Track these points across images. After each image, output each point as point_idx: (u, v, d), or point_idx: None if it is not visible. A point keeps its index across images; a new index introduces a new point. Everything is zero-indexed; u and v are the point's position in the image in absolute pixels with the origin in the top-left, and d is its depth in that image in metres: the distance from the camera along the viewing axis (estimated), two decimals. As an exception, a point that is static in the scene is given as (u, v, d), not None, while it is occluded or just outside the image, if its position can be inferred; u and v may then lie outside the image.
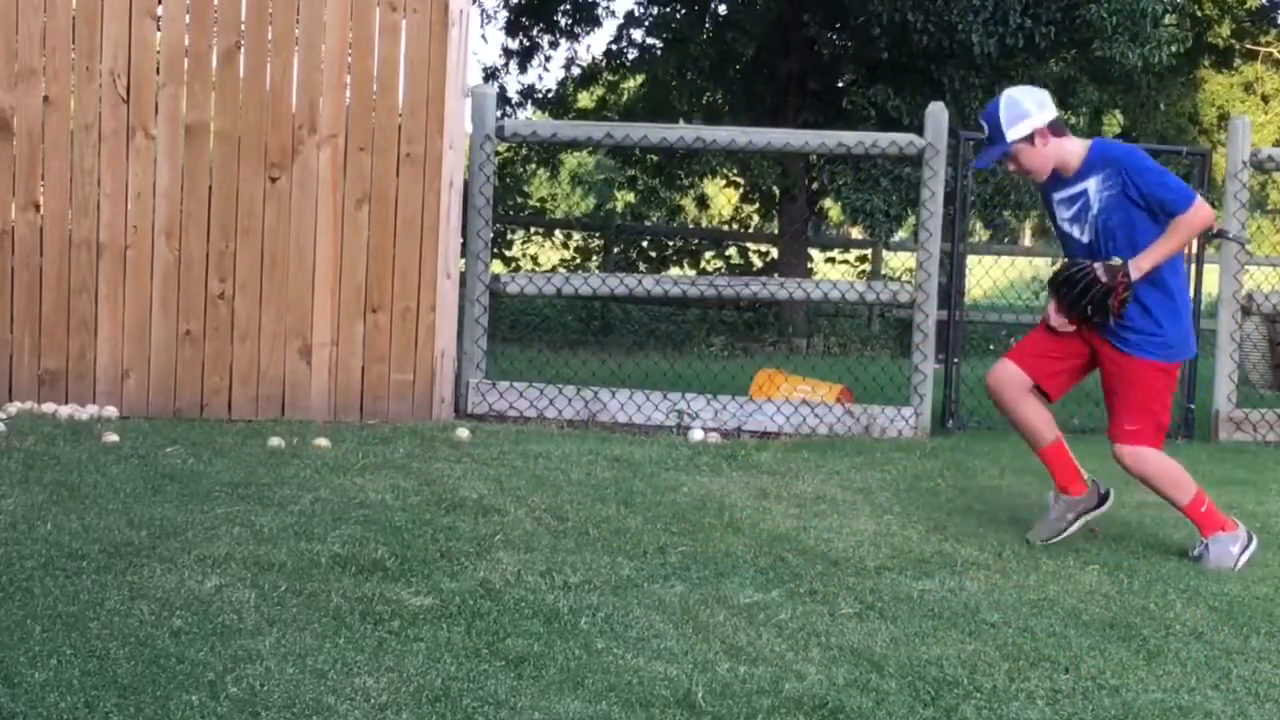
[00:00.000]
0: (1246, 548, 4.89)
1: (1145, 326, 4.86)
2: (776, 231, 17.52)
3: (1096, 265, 4.83)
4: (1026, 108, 4.88)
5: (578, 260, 17.79)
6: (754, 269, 17.62)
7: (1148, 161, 4.84)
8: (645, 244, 18.01)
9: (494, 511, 5.04)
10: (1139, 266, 4.77)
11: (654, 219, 19.57)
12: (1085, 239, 4.90)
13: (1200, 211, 4.78)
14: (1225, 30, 24.09)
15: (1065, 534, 5.02)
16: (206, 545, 4.35)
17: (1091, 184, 4.84)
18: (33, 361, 6.91)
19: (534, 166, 19.33)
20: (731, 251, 18.07)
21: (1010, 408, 5.08)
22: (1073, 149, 4.90)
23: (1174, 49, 14.03)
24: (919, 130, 7.67)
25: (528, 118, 18.83)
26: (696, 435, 7.14)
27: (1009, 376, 5.06)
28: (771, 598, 4.12)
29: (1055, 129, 4.89)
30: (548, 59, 19.00)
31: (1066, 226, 4.96)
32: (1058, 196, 4.96)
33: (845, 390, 7.89)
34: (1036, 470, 6.56)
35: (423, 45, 7.00)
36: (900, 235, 16.19)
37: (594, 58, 19.82)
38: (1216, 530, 4.90)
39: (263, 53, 6.97)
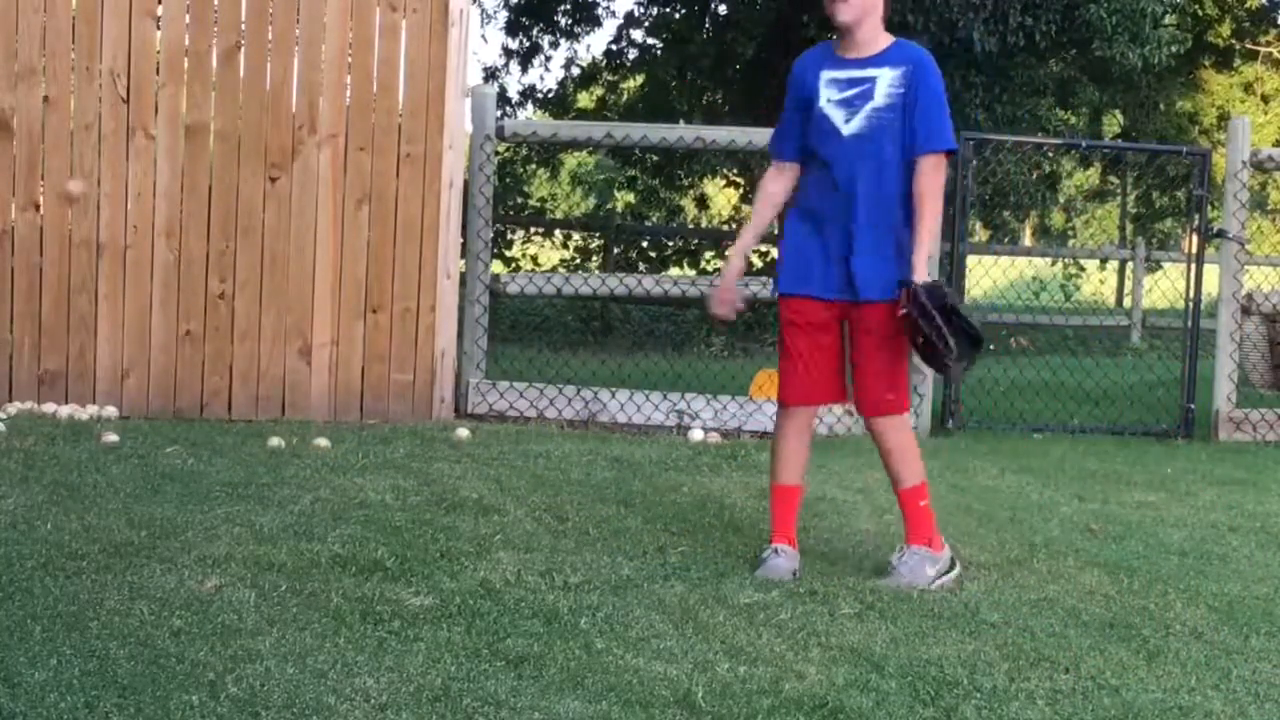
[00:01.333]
0: (945, 574, 4.40)
1: (898, 266, 4.34)
2: (776, 232, 17.51)
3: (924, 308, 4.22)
4: None
5: (578, 260, 17.81)
6: (754, 269, 17.62)
7: (940, 81, 4.39)
8: (645, 244, 18.03)
9: (494, 511, 5.04)
10: (921, 262, 4.29)
11: (654, 219, 19.58)
12: (849, 130, 4.32)
13: (945, 169, 4.40)
14: (1225, 30, 24.12)
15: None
16: (206, 545, 4.35)
17: (885, 75, 4.33)
18: (33, 361, 6.91)
19: (534, 166, 19.36)
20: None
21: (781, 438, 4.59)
22: (882, 34, 4.41)
23: (1174, 49, 14.04)
24: (919, 130, 7.65)
25: (528, 118, 18.83)
26: (696, 435, 7.13)
27: (794, 418, 4.57)
28: (771, 598, 4.12)
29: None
30: (548, 59, 19.03)
31: (828, 109, 4.35)
32: (830, 75, 4.37)
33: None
34: (1036, 470, 6.58)
35: (423, 45, 7.00)
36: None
37: (594, 58, 19.85)
38: (924, 542, 4.41)
39: (263, 53, 6.97)
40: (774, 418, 7.37)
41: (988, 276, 11.41)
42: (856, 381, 4.49)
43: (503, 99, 17.61)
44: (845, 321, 4.44)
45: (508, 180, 17.69)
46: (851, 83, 4.36)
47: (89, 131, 6.90)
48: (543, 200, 21.08)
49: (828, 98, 4.37)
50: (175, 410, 6.91)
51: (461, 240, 7.39)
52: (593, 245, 18.26)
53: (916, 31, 13.08)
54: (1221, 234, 7.92)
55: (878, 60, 4.39)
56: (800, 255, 4.49)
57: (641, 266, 17.24)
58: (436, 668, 3.37)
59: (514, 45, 18.83)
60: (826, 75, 4.39)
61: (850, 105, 4.34)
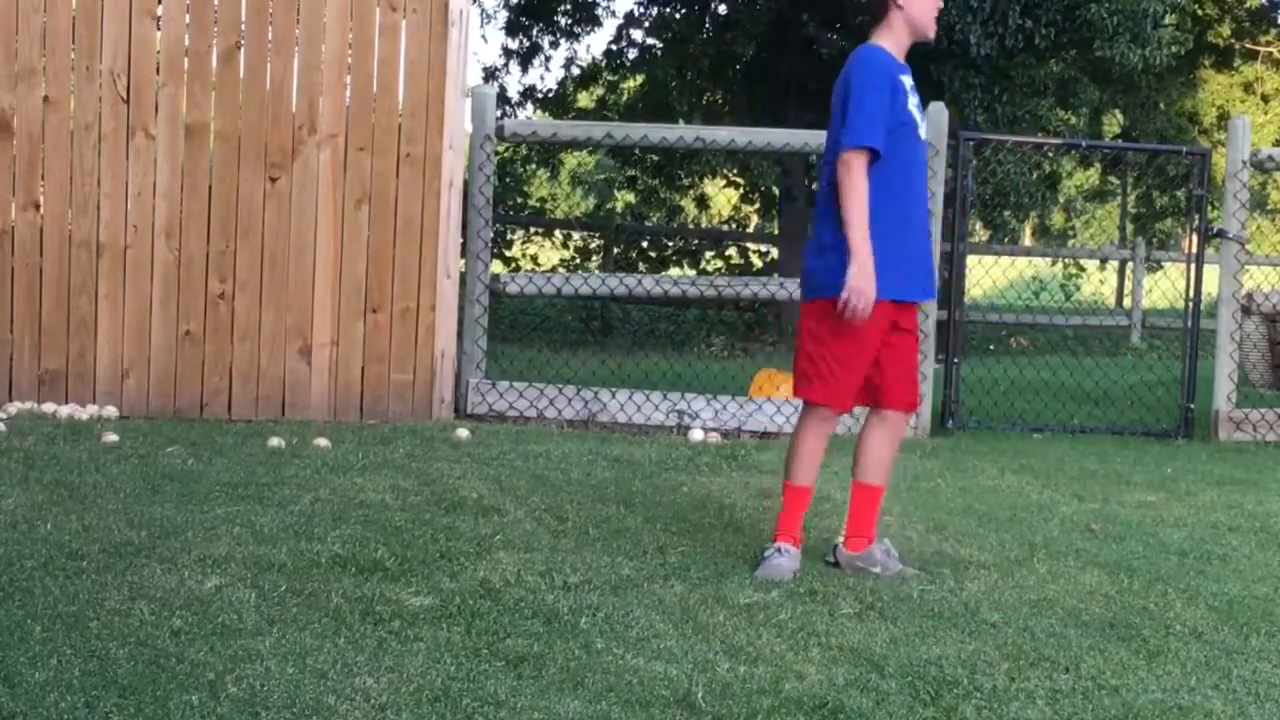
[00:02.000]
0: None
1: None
2: (776, 232, 17.53)
3: None
4: None
5: (578, 260, 17.82)
6: (754, 269, 17.64)
7: None
8: (645, 244, 18.04)
9: (494, 511, 5.04)
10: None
11: (654, 219, 19.59)
12: (922, 135, 4.46)
13: None
14: (1225, 30, 24.12)
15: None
16: (206, 545, 4.35)
17: (909, 82, 4.47)
18: (33, 361, 6.91)
19: (534, 166, 19.36)
20: (731, 251, 18.10)
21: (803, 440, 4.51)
22: None
23: (1174, 49, 14.03)
24: (919, 130, 7.65)
25: (528, 117, 18.84)
26: (696, 435, 7.14)
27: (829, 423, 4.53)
28: (771, 598, 4.12)
29: None
30: (548, 59, 19.03)
31: (915, 111, 4.41)
32: (906, 80, 4.43)
33: (845, 390, 7.88)
34: (1037, 470, 6.58)
35: (423, 45, 7.00)
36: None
37: (594, 58, 19.84)
38: (872, 540, 4.50)
39: (263, 53, 6.97)
40: (773, 417, 7.41)
41: (988, 276, 11.41)
42: (909, 379, 4.52)
43: (503, 99, 17.61)
44: (897, 327, 4.48)
45: (508, 180, 17.69)
46: (915, 88, 4.47)
47: (89, 131, 6.91)
48: (543, 200, 21.10)
49: (912, 102, 4.41)
50: (175, 410, 6.92)
51: (461, 240, 7.39)
52: (593, 245, 18.27)
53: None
54: (1221, 234, 7.92)
55: (907, 68, 4.52)
56: (923, 259, 4.47)
57: (641, 266, 17.25)
58: (436, 668, 3.38)
59: (514, 45, 18.84)
60: (905, 80, 4.41)
61: (920, 109, 4.46)
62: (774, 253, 17.32)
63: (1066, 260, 20.71)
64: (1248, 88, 27.22)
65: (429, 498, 5.21)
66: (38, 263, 6.92)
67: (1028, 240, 29.15)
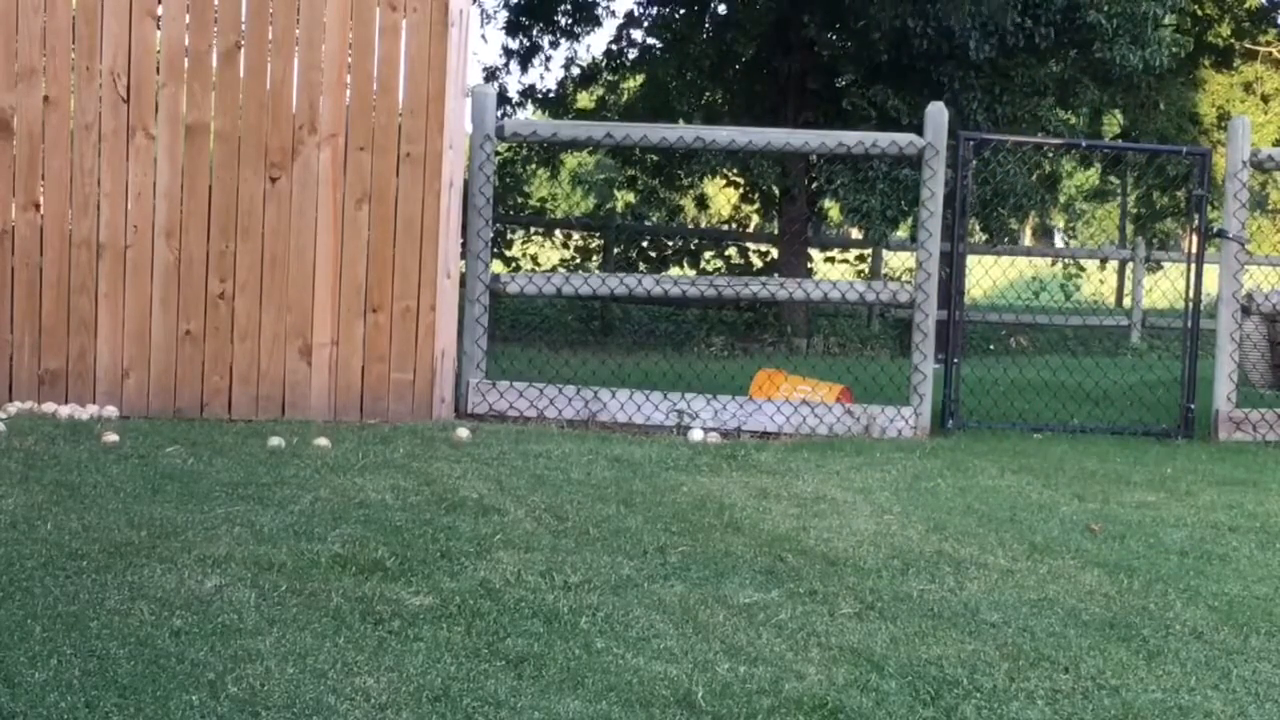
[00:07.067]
0: None
1: None
2: (776, 231, 17.52)
3: None
4: None
5: (578, 260, 17.81)
6: (754, 269, 17.63)
7: None
8: (645, 244, 18.03)
9: (494, 511, 5.04)
10: None
11: (654, 219, 19.58)
12: None
13: None
14: (1225, 30, 24.11)
15: None
16: (206, 545, 4.36)
17: None
18: (33, 361, 6.91)
19: (534, 166, 19.34)
20: (731, 251, 18.08)
21: None
22: None
23: (1175, 51, 14.02)
24: (919, 130, 7.67)
25: (528, 118, 18.83)
26: (696, 435, 7.14)
27: None
28: (771, 598, 4.12)
29: None
30: (548, 59, 19.02)
31: None
32: None
33: (845, 390, 7.89)
34: (1037, 470, 6.58)
35: (423, 45, 7.01)
36: (901, 234, 16.21)
37: (594, 58, 19.82)
38: None
39: (263, 53, 6.98)
40: (773, 417, 7.42)
41: (987, 276, 11.42)
42: None
43: (503, 99, 17.59)
44: None
45: (508, 180, 17.68)
46: None
47: (89, 131, 6.91)
48: (543, 200, 21.07)
49: None
50: (175, 410, 6.92)
51: (461, 240, 7.39)
52: (593, 245, 18.26)
53: (916, 36, 13.07)
54: (1221, 234, 7.92)
55: None
56: None
57: (641, 266, 17.24)
58: (436, 668, 3.38)
59: (514, 45, 18.80)
60: None
61: None
62: (774, 253, 17.29)
63: (1066, 260, 20.73)
64: (1248, 88, 27.21)
65: (429, 498, 5.21)
66: (38, 263, 6.92)
67: (1028, 240, 29.16)
